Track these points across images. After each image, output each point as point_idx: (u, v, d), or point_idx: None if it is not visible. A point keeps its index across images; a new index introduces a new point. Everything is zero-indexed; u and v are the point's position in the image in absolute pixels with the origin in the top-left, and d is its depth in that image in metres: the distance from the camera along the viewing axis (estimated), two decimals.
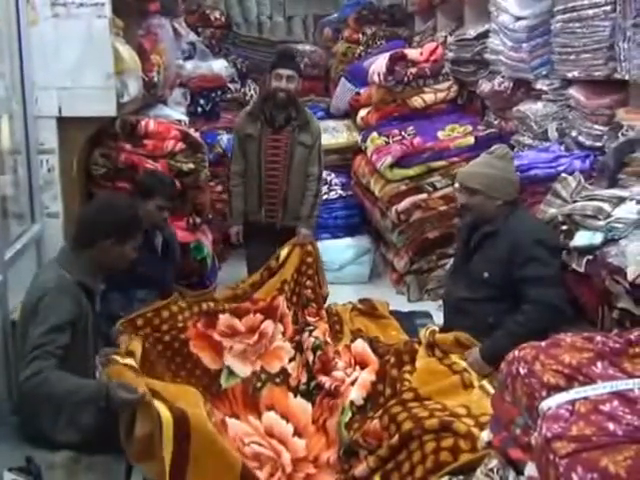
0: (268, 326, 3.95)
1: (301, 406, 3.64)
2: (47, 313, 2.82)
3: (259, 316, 3.96)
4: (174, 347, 3.62)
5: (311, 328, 3.91)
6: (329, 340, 3.84)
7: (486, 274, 3.34)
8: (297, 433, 3.53)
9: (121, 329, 3.38)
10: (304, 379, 3.73)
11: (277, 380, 3.78)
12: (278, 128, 4.69)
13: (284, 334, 4.00)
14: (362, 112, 6.44)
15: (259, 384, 3.75)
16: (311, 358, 3.72)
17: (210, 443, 2.82)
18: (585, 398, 1.69)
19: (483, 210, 3.40)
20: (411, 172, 5.33)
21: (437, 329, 3.49)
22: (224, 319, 3.86)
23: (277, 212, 4.76)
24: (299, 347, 3.88)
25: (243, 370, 3.77)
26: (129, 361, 3.07)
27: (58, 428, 2.89)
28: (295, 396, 3.69)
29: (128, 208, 3.18)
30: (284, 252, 4.39)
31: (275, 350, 3.91)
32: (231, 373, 3.74)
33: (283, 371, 3.82)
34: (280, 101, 4.65)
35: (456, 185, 3.61)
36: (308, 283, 4.34)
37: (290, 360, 3.86)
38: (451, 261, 4.57)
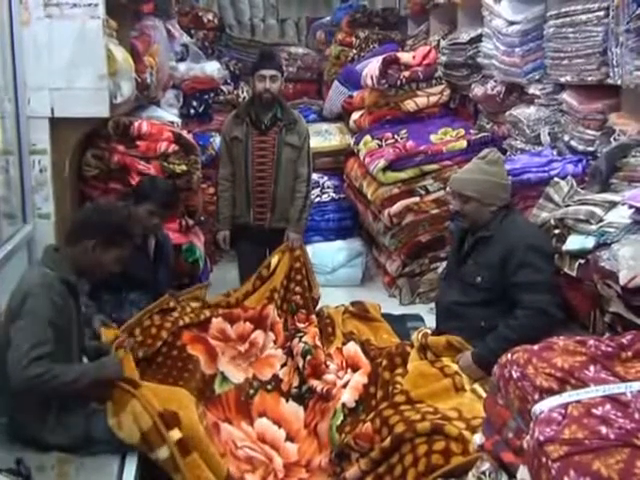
0: (258, 336, 3.94)
1: (293, 410, 3.63)
2: (35, 309, 2.78)
3: (249, 325, 3.95)
4: (172, 355, 3.62)
5: (301, 334, 3.91)
6: (319, 343, 3.84)
7: (479, 278, 3.34)
8: (289, 438, 3.52)
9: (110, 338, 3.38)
10: (296, 383, 3.72)
11: (269, 387, 3.77)
12: (264, 129, 4.65)
13: (275, 342, 3.99)
14: (355, 115, 6.44)
15: (251, 391, 3.74)
16: (301, 363, 3.71)
17: (201, 445, 2.82)
18: (577, 401, 1.69)
19: (478, 216, 3.39)
20: (404, 175, 5.33)
21: (429, 332, 3.50)
22: (216, 323, 3.86)
23: (266, 214, 4.70)
24: (290, 353, 3.87)
25: (236, 376, 3.77)
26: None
27: (47, 430, 2.87)
28: (287, 401, 3.69)
29: (122, 216, 3.11)
30: (274, 260, 4.38)
31: (267, 358, 3.90)
32: (225, 379, 3.73)
33: (275, 378, 3.81)
34: (265, 102, 4.63)
35: (448, 189, 3.60)
36: (297, 289, 4.33)
37: (282, 366, 3.86)
38: (443, 264, 4.58)
